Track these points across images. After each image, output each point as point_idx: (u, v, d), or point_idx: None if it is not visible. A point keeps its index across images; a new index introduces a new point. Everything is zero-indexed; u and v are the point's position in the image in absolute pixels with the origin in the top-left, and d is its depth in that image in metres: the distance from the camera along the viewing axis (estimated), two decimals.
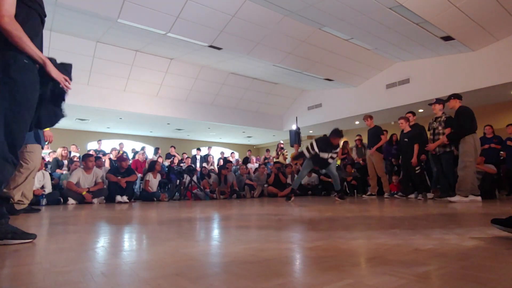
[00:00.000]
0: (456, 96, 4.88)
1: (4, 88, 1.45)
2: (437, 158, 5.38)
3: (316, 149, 5.28)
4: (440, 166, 5.37)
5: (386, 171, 6.94)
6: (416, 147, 5.67)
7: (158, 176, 6.97)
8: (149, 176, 6.72)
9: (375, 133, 6.51)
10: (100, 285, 0.89)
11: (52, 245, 1.58)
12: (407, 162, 5.71)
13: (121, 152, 9.25)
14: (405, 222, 2.29)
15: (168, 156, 9.96)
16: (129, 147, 11.64)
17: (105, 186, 5.84)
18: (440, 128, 5.26)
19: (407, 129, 5.85)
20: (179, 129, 13.52)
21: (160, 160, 8.61)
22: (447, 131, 5.11)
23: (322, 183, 8.24)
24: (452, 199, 4.52)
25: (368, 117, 6.68)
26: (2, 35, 1.46)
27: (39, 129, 2.44)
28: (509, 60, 7.48)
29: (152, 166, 6.98)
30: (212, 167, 9.59)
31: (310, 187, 8.36)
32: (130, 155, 9.91)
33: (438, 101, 5.35)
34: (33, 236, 1.61)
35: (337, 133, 5.31)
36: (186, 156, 9.92)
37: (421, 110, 9.68)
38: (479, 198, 4.51)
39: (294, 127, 11.44)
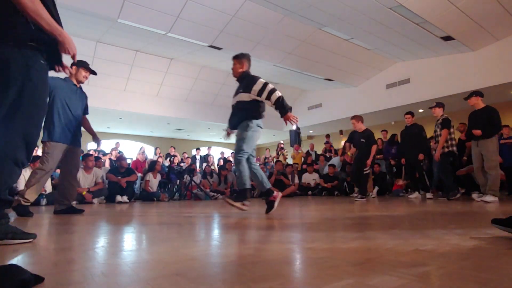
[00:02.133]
0: (478, 94, 4.73)
1: (23, 90, 1.41)
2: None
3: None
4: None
5: (386, 171, 6.93)
6: (373, 148, 5.56)
7: (158, 176, 6.97)
8: (149, 176, 6.72)
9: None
10: (100, 285, 0.89)
11: (52, 245, 1.58)
12: (359, 162, 5.60)
13: (121, 152, 9.26)
14: (405, 222, 2.29)
15: (168, 156, 9.96)
16: (129, 147, 11.63)
17: (105, 186, 5.84)
18: (438, 130, 5.21)
19: (362, 128, 5.78)
20: (179, 129, 13.52)
21: (160, 160, 8.61)
22: (444, 132, 5.06)
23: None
24: (487, 199, 4.25)
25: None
26: (21, 28, 1.38)
27: None
28: (509, 60, 7.48)
29: (152, 166, 6.98)
30: (212, 167, 9.59)
31: (310, 187, 8.35)
32: (133, 155, 9.89)
33: (438, 104, 5.31)
34: (33, 236, 1.60)
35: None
36: (186, 156, 9.92)
37: (421, 110, 9.68)
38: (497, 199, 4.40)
39: (294, 127, 11.43)
